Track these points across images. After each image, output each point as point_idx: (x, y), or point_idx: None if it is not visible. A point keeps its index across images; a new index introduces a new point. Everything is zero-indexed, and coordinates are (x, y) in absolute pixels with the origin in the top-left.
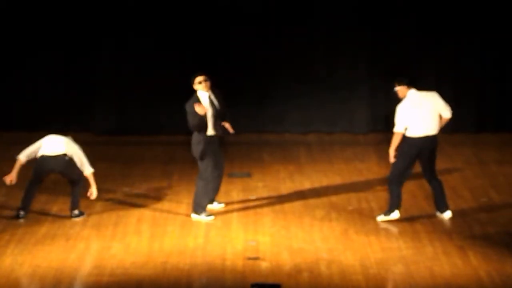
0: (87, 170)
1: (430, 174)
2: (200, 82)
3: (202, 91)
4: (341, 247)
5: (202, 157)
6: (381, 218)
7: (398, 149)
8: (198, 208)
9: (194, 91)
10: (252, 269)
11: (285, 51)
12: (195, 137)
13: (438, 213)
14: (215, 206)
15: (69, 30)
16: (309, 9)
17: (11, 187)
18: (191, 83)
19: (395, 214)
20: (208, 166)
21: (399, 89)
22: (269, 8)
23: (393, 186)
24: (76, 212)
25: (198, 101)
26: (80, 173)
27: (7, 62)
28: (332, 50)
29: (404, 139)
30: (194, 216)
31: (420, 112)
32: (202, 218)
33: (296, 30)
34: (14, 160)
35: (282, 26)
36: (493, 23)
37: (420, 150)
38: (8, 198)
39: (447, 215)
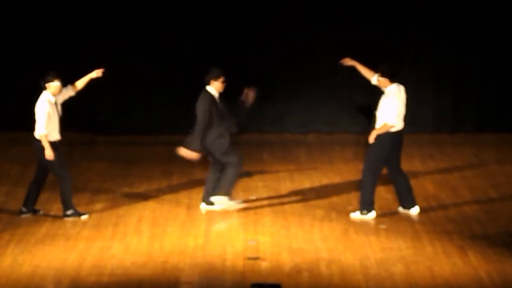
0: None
1: (398, 168)
2: (223, 82)
3: (218, 91)
4: (341, 247)
5: (226, 151)
6: (356, 215)
7: (379, 146)
8: (227, 194)
9: (204, 89)
10: (252, 269)
11: (285, 51)
12: (214, 133)
13: (401, 209)
14: (209, 207)
15: (68, 30)
16: (309, 9)
17: (12, 187)
18: (208, 79)
19: (373, 214)
20: (232, 155)
21: (381, 80)
22: (269, 8)
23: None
24: (68, 212)
25: (212, 97)
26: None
27: (7, 62)
28: (332, 50)
29: (389, 133)
30: (221, 205)
31: (402, 106)
32: (230, 204)
33: (296, 30)
34: (14, 160)
35: (282, 26)
36: (493, 23)
37: (395, 144)
38: (8, 198)
39: (415, 210)
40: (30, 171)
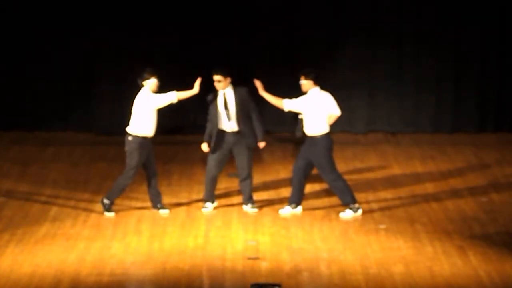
0: None
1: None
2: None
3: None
4: (341, 247)
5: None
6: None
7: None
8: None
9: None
10: (252, 269)
11: (285, 51)
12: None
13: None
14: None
15: (68, 30)
16: (310, 9)
17: (12, 187)
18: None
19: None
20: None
21: (305, 83)
22: (269, 8)
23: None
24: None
25: (215, 94)
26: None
27: (7, 62)
28: (332, 50)
29: (326, 136)
30: (252, 210)
31: (314, 112)
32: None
33: (296, 30)
34: (14, 160)
35: (282, 26)
36: (493, 23)
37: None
38: (8, 198)
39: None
40: (30, 171)
